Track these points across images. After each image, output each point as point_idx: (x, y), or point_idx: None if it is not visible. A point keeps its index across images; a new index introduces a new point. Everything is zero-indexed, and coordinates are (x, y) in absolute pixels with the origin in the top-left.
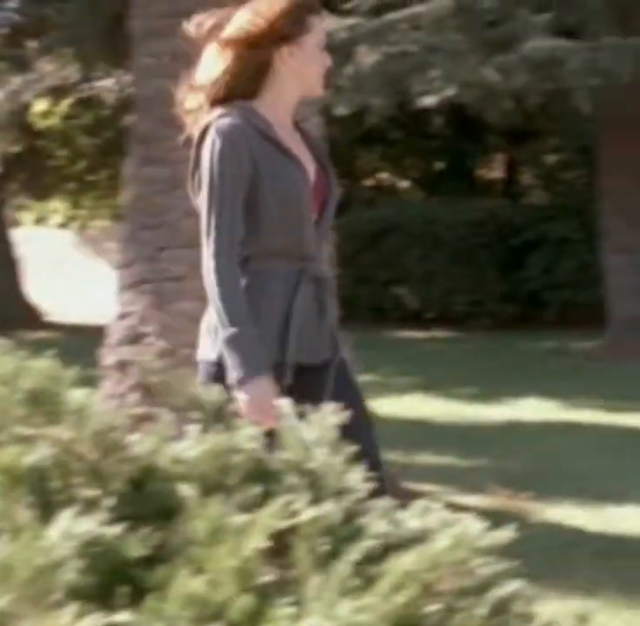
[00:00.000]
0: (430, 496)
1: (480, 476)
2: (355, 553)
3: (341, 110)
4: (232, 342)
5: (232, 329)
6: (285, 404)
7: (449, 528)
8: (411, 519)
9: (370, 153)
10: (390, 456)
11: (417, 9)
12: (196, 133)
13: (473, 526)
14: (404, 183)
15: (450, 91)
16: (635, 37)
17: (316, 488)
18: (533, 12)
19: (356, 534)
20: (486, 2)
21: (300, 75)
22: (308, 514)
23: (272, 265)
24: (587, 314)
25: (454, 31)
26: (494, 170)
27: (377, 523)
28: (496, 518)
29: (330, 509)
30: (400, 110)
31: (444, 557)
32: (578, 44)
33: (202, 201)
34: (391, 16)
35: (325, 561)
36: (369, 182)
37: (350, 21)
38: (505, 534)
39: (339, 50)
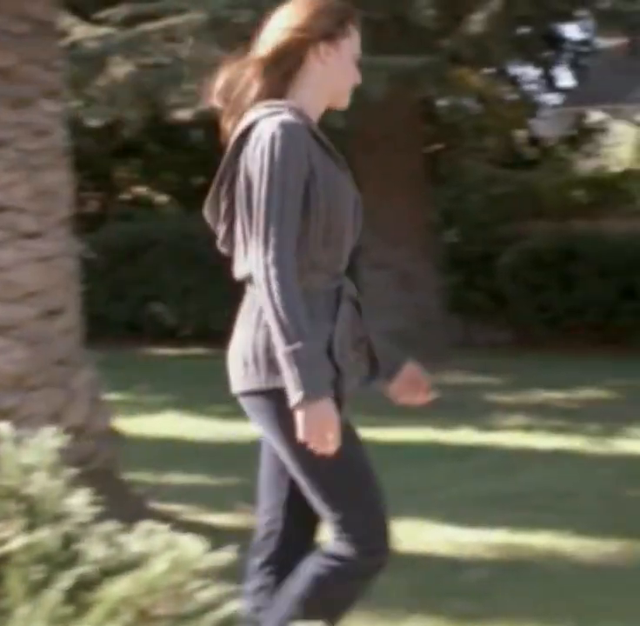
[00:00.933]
0: (177, 516)
1: (231, 494)
2: (68, 580)
3: (94, 122)
4: (296, 357)
5: (297, 344)
6: (3, 428)
7: (170, 551)
8: (136, 542)
9: (126, 166)
10: (140, 476)
11: (172, 20)
12: (232, 130)
13: (193, 548)
14: (162, 198)
15: (204, 105)
16: (387, 57)
17: (33, 514)
18: None
19: (72, 560)
20: (242, 16)
21: (332, 80)
22: (19, 541)
23: (316, 281)
24: None
25: (209, 44)
26: None
27: (96, 548)
28: (243, 537)
29: (44, 535)
30: (158, 123)
31: (161, 581)
32: None
33: (256, 202)
34: (145, 26)
35: (38, 589)
36: (126, 195)
37: (103, 30)
38: (226, 555)
39: (91, 61)
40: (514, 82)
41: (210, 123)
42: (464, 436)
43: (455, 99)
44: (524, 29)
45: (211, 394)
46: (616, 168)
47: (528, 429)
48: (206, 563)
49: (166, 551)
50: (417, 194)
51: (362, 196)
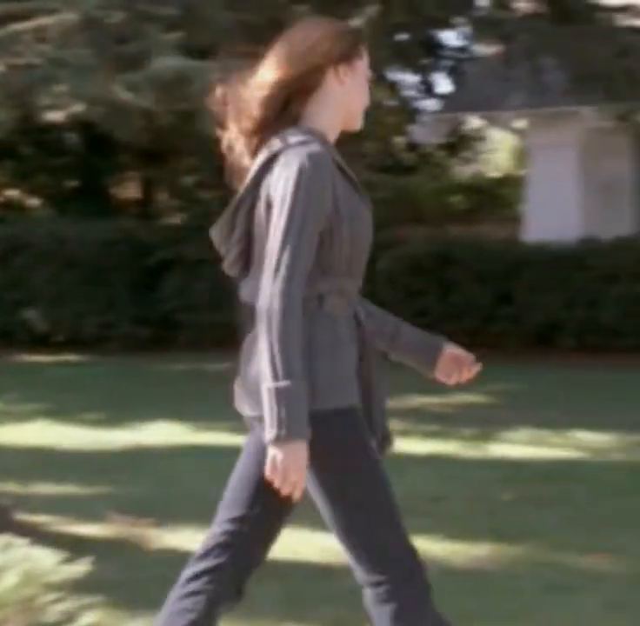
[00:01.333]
0: (44, 527)
1: (102, 503)
2: None
3: None
4: (278, 394)
5: (283, 382)
6: None
7: (22, 564)
8: None
9: None
10: (7, 486)
11: (43, 21)
12: (252, 161)
13: (46, 561)
14: (35, 201)
15: (77, 107)
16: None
17: None
18: (163, 30)
19: None
20: (114, 17)
21: (348, 100)
22: None
23: (339, 307)
24: (222, 335)
25: (81, 46)
26: (131, 190)
27: None
28: (111, 547)
29: None
30: (30, 125)
31: (11, 595)
32: (208, 64)
33: (273, 230)
34: (16, 26)
35: None
36: None
37: None
38: (83, 567)
39: None
40: (393, 87)
41: (83, 126)
42: None
43: None
44: (403, 36)
45: (84, 401)
46: (493, 174)
47: (403, 433)
48: (60, 576)
49: (19, 564)
50: None
51: None
